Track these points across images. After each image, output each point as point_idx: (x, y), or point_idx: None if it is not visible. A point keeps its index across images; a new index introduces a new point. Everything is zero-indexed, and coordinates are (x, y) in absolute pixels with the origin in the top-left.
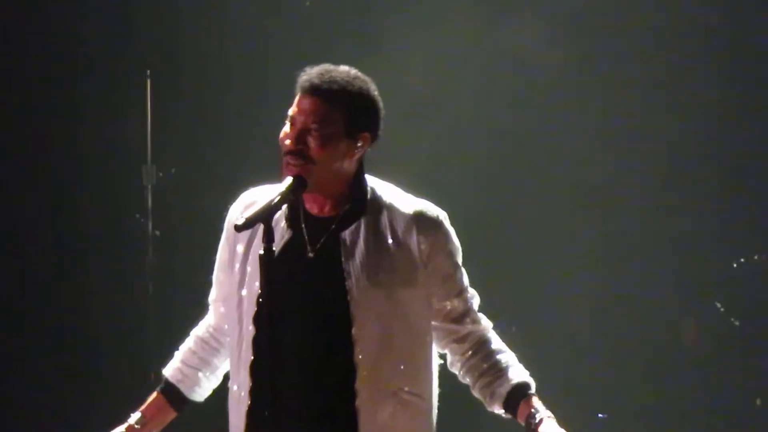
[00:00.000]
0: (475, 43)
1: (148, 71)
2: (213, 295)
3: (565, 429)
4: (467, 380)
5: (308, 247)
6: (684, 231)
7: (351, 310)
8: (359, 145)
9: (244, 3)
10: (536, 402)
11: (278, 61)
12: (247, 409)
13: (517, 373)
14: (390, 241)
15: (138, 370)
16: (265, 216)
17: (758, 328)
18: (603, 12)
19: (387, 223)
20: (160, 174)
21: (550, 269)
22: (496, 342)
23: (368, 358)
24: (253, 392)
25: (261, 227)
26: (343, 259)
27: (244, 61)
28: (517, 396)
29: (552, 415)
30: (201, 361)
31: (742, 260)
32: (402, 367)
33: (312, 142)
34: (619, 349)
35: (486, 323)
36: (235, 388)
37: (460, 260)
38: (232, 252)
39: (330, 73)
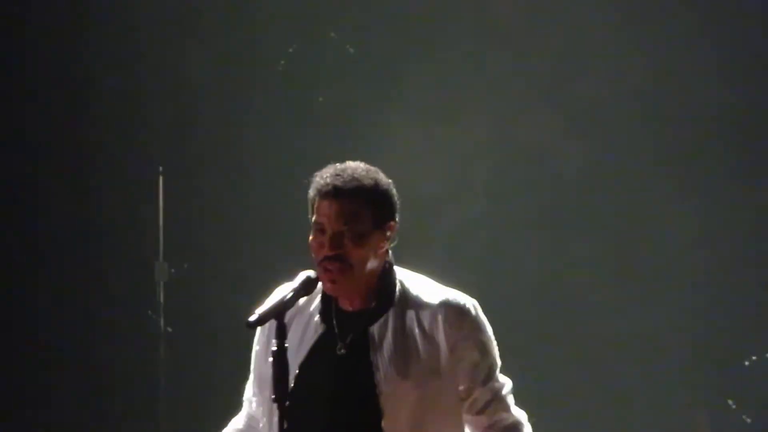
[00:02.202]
0: (489, 137)
1: (161, 168)
2: (249, 393)
3: None
4: None
5: (339, 343)
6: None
7: (380, 402)
8: (388, 235)
9: (254, 101)
10: None
11: (290, 157)
12: None
13: None
14: (417, 332)
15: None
16: (276, 312)
17: None
18: (618, 104)
19: (414, 315)
20: (172, 270)
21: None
22: None
23: None
24: None
25: (292, 323)
26: (371, 353)
27: (257, 158)
28: None
29: None
30: None
31: (754, 358)
32: None
33: (347, 244)
34: None
35: (518, 414)
36: None
37: (490, 348)
38: (266, 348)
39: (346, 172)
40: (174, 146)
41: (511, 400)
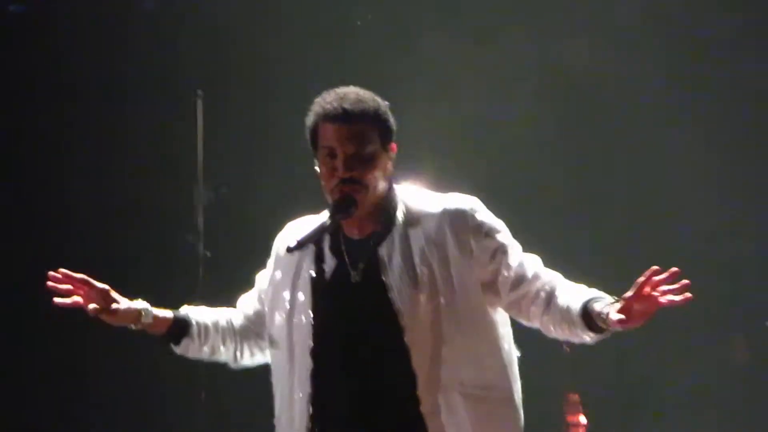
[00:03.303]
0: (527, 63)
1: (199, 92)
2: (245, 304)
3: None
4: (560, 333)
5: (352, 272)
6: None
7: (399, 320)
8: (391, 155)
9: (293, 26)
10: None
11: (329, 83)
12: None
13: (585, 290)
14: (424, 244)
15: (189, 391)
16: (316, 237)
17: None
18: (658, 28)
19: (419, 228)
20: (212, 194)
21: (603, 283)
22: (568, 284)
23: (425, 362)
24: (315, 418)
25: (307, 254)
26: (383, 274)
27: (295, 82)
28: (587, 305)
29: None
30: (218, 335)
31: None
32: (464, 363)
33: (361, 166)
34: (669, 365)
35: (553, 274)
36: (282, 419)
37: (504, 234)
38: (277, 281)
39: (349, 96)
40: (212, 70)
41: (543, 269)
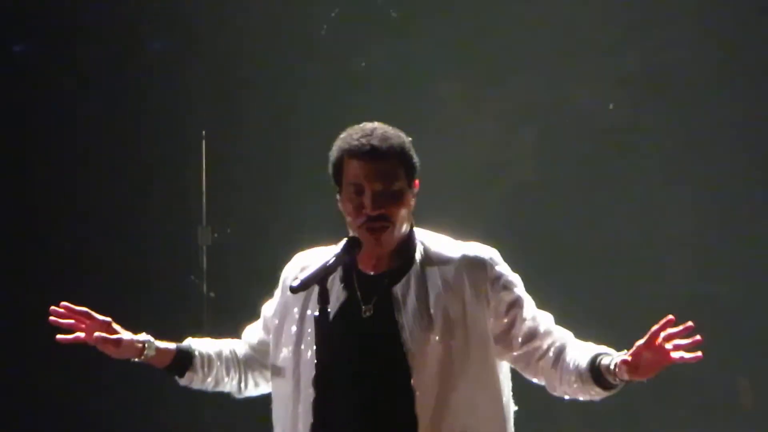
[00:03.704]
0: (536, 102)
1: (204, 131)
2: (250, 335)
3: None
4: (566, 390)
5: (363, 307)
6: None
7: (408, 361)
8: (415, 192)
9: (300, 68)
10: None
11: (334, 121)
12: None
13: (594, 347)
14: (440, 287)
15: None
16: (319, 278)
17: None
18: (665, 70)
19: (436, 271)
20: (215, 235)
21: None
22: (578, 342)
23: (429, 407)
24: None
25: (315, 289)
26: (396, 313)
27: (299, 119)
28: (596, 360)
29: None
30: (222, 366)
31: None
32: (466, 413)
33: (388, 203)
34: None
35: (564, 332)
36: None
37: (520, 288)
38: (284, 313)
39: (376, 132)
40: (217, 110)
41: (554, 326)
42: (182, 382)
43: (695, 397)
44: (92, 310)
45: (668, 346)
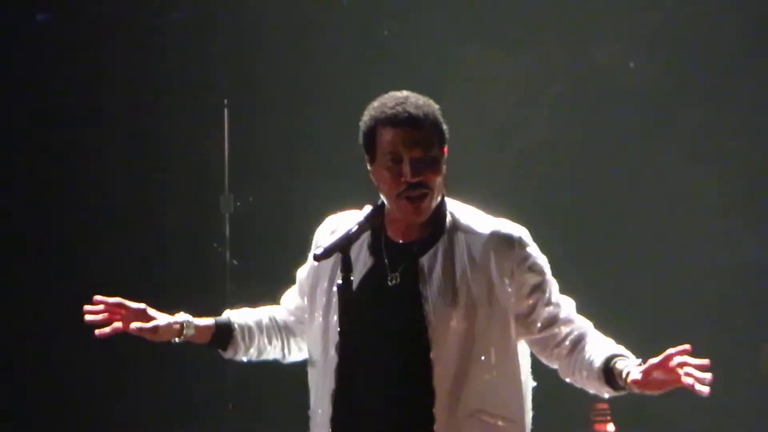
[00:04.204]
0: (555, 62)
1: (226, 100)
2: (288, 300)
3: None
4: (576, 380)
5: (389, 275)
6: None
7: (429, 333)
8: (445, 159)
9: (323, 33)
10: (627, 361)
11: (356, 89)
12: None
13: (611, 345)
14: (467, 262)
15: (217, 398)
16: (342, 246)
17: None
18: (686, 27)
19: (464, 246)
20: (238, 203)
21: (638, 284)
22: (597, 335)
23: (447, 382)
24: (333, 421)
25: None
26: (420, 284)
27: (321, 89)
28: (610, 361)
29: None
30: (263, 335)
31: None
32: (484, 390)
33: (427, 170)
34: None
35: (584, 322)
36: (319, 412)
37: (546, 272)
38: (315, 277)
39: (409, 100)
40: (239, 79)
41: (575, 313)
42: (226, 355)
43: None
44: (115, 279)
45: (680, 371)
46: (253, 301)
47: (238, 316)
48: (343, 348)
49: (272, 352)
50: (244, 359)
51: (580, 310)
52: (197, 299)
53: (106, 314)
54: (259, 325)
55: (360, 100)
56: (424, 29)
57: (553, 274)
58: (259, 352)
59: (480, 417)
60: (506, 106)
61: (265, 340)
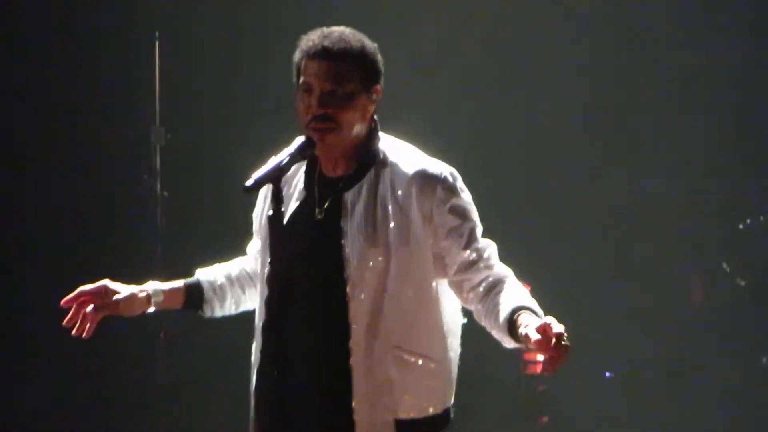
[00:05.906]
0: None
1: (157, 33)
2: (251, 247)
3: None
4: (487, 325)
5: (317, 209)
6: (692, 194)
7: (346, 269)
8: (374, 98)
9: None
10: (530, 316)
11: (285, 23)
12: (257, 368)
13: (522, 297)
14: (389, 200)
15: (147, 328)
16: (272, 177)
17: (764, 288)
18: None
19: (389, 183)
20: (169, 135)
21: (556, 234)
22: (513, 284)
23: (362, 318)
24: (263, 353)
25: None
26: (342, 220)
27: (255, 22)
28: (515, 313)
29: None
30: (235, 287)
31: (748, 221)
32: (401, 327)
33: (336, 104)
34: (629, 309)
35: (503, 269)
36: (254, 344)
37: (467, 216)
38: (261, 215)
39: (333, 34)
40: (170, 11)
41: (495, 259)
42: (205, 315)
43: None
44: (51, 209)
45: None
46: (185, 232)
47: (206, 273)
48: (271, 281)
49: (250, 301)
50: (225, 313)
51: (502, 241)
52: (128, 229)
53: (78, 311)
54: (229, 278)
55: (293, 34)
56: None
57: (480, 206)
58: (237, 304)
59: (397, 354)
60: (433, 35)
61: (239, 292)
